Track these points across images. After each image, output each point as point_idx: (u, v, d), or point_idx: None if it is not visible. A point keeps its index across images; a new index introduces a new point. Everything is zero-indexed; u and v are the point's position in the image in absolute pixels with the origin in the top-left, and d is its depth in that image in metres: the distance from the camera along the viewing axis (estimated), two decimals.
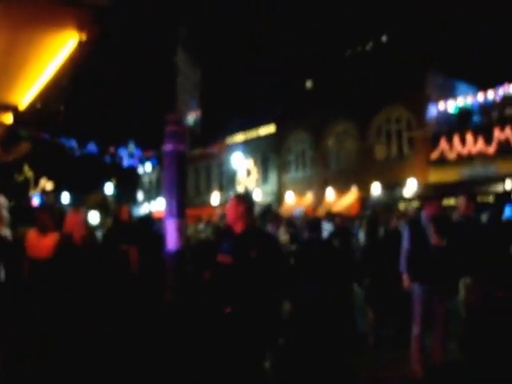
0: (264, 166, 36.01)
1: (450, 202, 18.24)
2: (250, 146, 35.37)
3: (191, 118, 5.47)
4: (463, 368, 6.10)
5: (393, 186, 26.35)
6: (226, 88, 40.57)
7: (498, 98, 24.07)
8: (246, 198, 4.84)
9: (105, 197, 42.22)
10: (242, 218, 4.55)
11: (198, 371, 4.86)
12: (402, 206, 23.72)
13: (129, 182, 47.88)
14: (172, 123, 5.29)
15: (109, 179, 43.99)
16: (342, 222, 9.95)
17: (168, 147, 5.29)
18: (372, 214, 13.34)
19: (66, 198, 46.71)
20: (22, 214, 7.29)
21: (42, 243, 5.64)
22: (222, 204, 34.45)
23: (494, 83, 24.08)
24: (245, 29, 41.65)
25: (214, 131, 36.03)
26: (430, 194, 16.39)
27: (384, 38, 37.16)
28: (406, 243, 6.42)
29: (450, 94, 26.39)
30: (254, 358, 4.31)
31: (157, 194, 43.09)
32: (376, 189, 27.27)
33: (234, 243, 4.55)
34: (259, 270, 4.30)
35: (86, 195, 40.68)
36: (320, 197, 30.55)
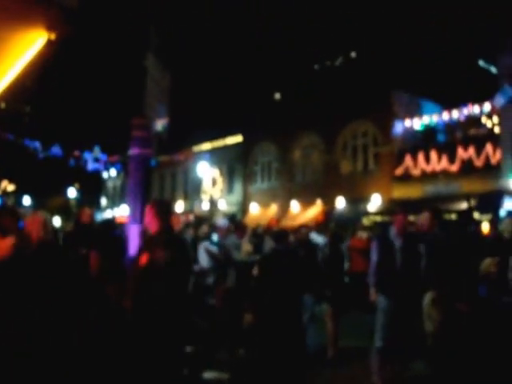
0: (230, 175, 35.95)
1: (414, 218, 18.51)
2: (216, 156, 35.28)
3: (159, 123, 5.41)
4: (425, 381, 6.15)
5: (357, 200, 26.62)
6: (195, 96, 40.50)
7: (462, 118, 24.62)
8: (159, 203, 5.33)
9: (67, 200, 41.54)
10: (154, 221, 4.94)
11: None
12: (365, 220, 23.95)
13: (93, 187, 47.21)
14: (138, 128, 5.22)
15: (72, 183, 43.29)
16: (308, 233, 9.99)
17: (133, 152, 5.22)
18: (335, 226, 13.46)
19: (27, 200, 45.68)
20: None
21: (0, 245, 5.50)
22: (187, 212, 34.31)
23: (459, 103, 24.64)
24: (216, 40, 41.79)
25: (181, 139, 35.87)
26: (396, 209, 16.60)
27: (353, 54, 37.73)
28: (374, 257, 6.46)
29: (415, 111, 26.89)
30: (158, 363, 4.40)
31: (121, 200, 42.58)
32: (340, 203, 27.51)
33: (145, 242, 4.98)
34: (164, 269, 4.55)
35: (48, 198, 39.93)
36: (284, 209, 30.68)
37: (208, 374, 6.59)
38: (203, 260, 8.13)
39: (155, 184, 41.19)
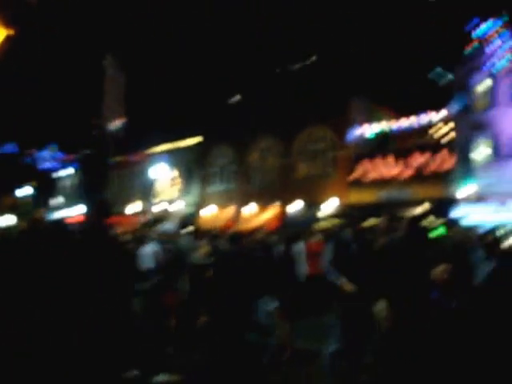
0: (187, 177, 35.72)
1: (368, 223, 18.78)
2: (174, 157, 35.04)
3: (116, 123, 5.38)
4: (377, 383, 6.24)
5: (313, 204, 26.87)
6: (154, 97, 40.14)
7: (416, 125, 25.20)
8: (100, 202, 5.24)
9: (17, 199, 40.53)
10: (92, 218, 5.08)
11: None
12: (321, 224, 24.18)
13: (49, 186, 46.17)
14: (95, 128, 5.18)
15: (27, 182, 42.25)
16: (265, 235, 10.05)
17: (89, 151, 5.18)
18: (291, 230, 13.54)
19: None
20: None
21: None
22: (144, 212, 34.07)
23: (414, 110, 25.20)
24: (176, 40, 41.43)
25: (139, 139, 35.50)
26: (352, 213, 16.86)
27: (313, 59, 38.03)
28: (327, 257, 6.49)
29: (372, 118, 27.36)
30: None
31: (77, 199, 41.77)
32: (297, 206, 27.72)
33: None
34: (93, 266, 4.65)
35: (1, 196, 38.91)
36: (241, 211, 30.70)
37: (160, 377, 6.55)
38: (149, 261, 8.04)
39: (113, 184, 40.55)
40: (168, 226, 8.97)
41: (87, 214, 5.04)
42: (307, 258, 11.85)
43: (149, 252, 8.16)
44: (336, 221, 23.51)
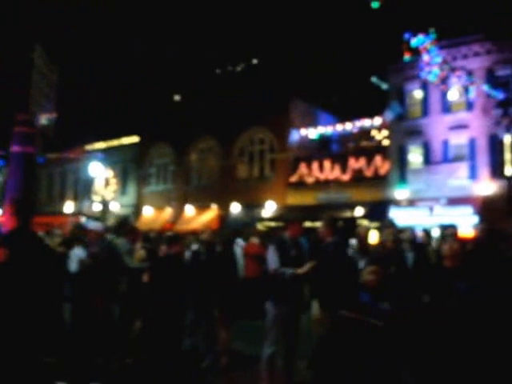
0: (124, 176, 34.97)
1: (307, 224, 18.94)
2: (110, 155, 34.12)
3: (44, 119, 5.09)
4: None
5: (252, 205, 26.89)
6: (89, 93, 39.24)
7: (354, 130, 25.74)
8: (19, 201, 5.19)
9: None
10: (12, 219, 4.80)
11: None
12: (260, 226, 24.24)
13: None
14: (21, 123, 4.88)
15: None
16: (211, 236, 9.83)
17: (15, 149, 4.88)
18: (229, 232, 13.41)
19: None
20: None
21: None
22: (76, 213, 33.13)
23: (352, 116, 25.75)
24: (120, 38, 40.76)
25: (73, 136, 34.55)
26: (290, 215, 16.90)
27: (255, 61, 38.21)
28: (271, 262, 6.38)
29: (311, 122, 27.74)
30: None
31: (1, 198, 40.13)
32: (236, 208, 27.67)
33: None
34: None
35: None
36: (179, 212, 30.35)
37: None
38: (73, 265, 7.78)
39: (43, 184, 39.22)
40: (94, 224, 8.62)
41: (5, 214, 4.73)
42: (245, 261, 11.75)
43: (78, 255, 7.88)
44: (275, 223, 23.62)
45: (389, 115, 23.86)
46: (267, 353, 6.25)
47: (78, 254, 7.98)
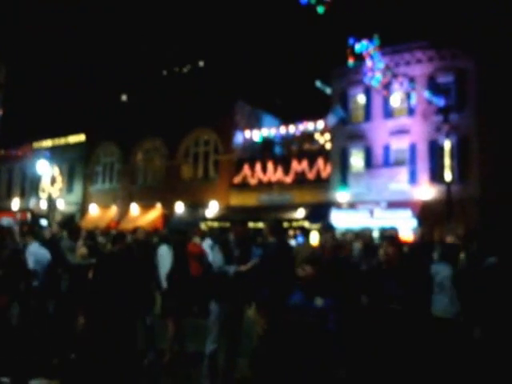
0: (70, 174, 34.51)
1: (249, 225, 19.22)
2: (57, 153, 33.65)
3: None
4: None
5: (196, 205, 27.04)
6: (37, 91, 38.46)
7: (297, 133, 26.23)
8: None
9: None
10: None
11: None
12: (203, 226, 24.43)
13: None
14: None
15: None
16: (144, 234, 9.96)
17: None
18: (172, 231, 13.49)
19: None
20: None
21: None
22: (23, 210, 32.54)
23: (296, 119, 26.21)
24: (68, 37, 40.04)
25: (20, 134, 33.88)
26: (233, 216, 17.09)
27: (201, 63, 38.32)
28: (216, 261, 6.53)
29: (256, 124, 28.08)
30: None
31: None
32: (180, 207, 27.74)
33: None
34: None
35: None
36: (124, 211, 30.24)
37: (36, 382, 6.31)
38: (30, 262, 7.76)
39: None
40: (5, 221, 8.55)
41: None
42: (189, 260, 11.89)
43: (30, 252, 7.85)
44: (218, 223, 23.84)
45: (332, 119, 24.27)
46: (209, 350, 6.41)
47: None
